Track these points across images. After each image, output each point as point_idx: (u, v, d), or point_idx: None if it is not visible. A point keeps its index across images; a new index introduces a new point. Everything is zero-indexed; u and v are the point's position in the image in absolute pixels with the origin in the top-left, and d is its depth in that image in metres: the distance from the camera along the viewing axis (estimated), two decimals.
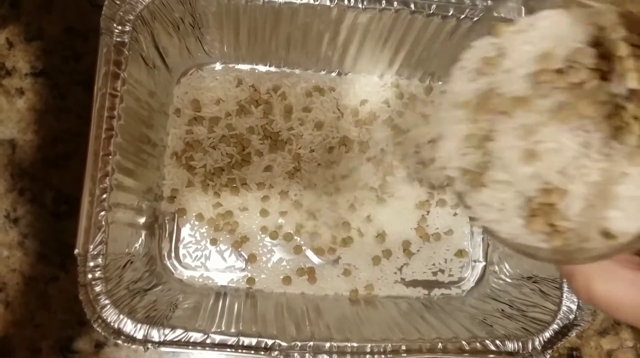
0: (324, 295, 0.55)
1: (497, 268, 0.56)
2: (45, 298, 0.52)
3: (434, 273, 0.57)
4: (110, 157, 0.44)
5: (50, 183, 0.54)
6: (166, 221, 0.54)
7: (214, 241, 0.54)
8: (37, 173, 0.54)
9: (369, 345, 0.45)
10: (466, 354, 0.45)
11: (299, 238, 0.55)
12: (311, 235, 0.55)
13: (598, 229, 0.26)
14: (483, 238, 0.58)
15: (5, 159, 0.54)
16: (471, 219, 0.47)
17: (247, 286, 0.54)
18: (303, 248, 0.55)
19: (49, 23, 0.56)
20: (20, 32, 0.56)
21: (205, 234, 0.54)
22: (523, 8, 0.31)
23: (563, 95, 0.27)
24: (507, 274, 0.54)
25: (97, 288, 0.42)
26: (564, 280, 0.47)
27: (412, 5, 0.48)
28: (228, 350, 0.43)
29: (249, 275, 0.54)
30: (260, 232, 0.55)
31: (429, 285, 0.56)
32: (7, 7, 0.56)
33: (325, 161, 0.56)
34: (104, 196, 0.43)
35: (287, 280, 0.54)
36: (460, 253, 0.57)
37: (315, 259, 0.55)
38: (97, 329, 0.42)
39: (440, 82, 0.59)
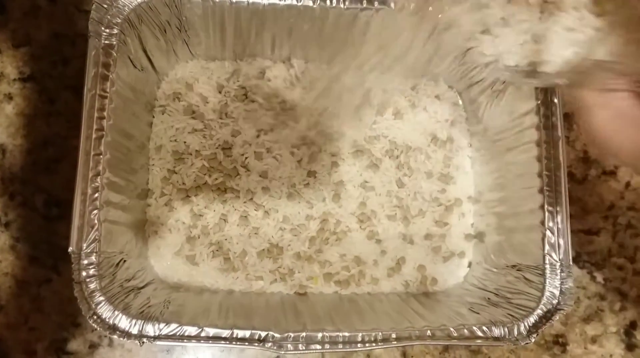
0: (315, 291, 0.55)
1: (482, 259, 0.57)
2: (39, 301, 0.53)
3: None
4: (101, 156, 0.45)
5: (41, 187, 0.55)
6: (155, 221, 0.54)
7: (201, 242, 0.54)
8: (28, 177, 0.55)
9: (360, 334, 0.46)
10: (454, 340, 0.46)
11: (285, 239, 0.55)
12: (298, 235, 0.56)
13: None
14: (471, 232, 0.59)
15: None
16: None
17: (239, 286, 0.54)
18: (289, 249, 0.55)
19: (37, 29, 0.57)
20: (7, 38, 0.57)
21: (192, 235, 0.54)
22: None
23: None
24: (493, 263, 0.56)
25: (92, 285, 0.43)
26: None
27: (392, 5, 0.50)
28: (222, 342, 0.44)
29: (239, 276, 0.54)
30: (245, 233, 0.55)
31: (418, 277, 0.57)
32: None
33: (308, 160, 0.57)
34: (96, 194, 0.44)
35: (275, 280, 0.55)
36: (452, 253, 0.58)
37: (303, 257, 0.56)
38: (93, 325, 0.42)
39: (423, 79, 0.60)
